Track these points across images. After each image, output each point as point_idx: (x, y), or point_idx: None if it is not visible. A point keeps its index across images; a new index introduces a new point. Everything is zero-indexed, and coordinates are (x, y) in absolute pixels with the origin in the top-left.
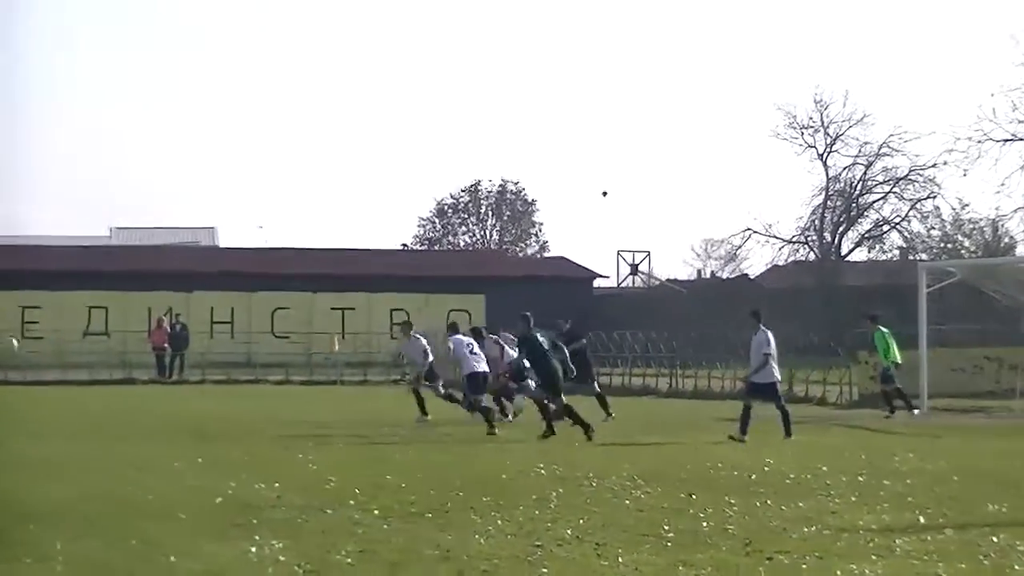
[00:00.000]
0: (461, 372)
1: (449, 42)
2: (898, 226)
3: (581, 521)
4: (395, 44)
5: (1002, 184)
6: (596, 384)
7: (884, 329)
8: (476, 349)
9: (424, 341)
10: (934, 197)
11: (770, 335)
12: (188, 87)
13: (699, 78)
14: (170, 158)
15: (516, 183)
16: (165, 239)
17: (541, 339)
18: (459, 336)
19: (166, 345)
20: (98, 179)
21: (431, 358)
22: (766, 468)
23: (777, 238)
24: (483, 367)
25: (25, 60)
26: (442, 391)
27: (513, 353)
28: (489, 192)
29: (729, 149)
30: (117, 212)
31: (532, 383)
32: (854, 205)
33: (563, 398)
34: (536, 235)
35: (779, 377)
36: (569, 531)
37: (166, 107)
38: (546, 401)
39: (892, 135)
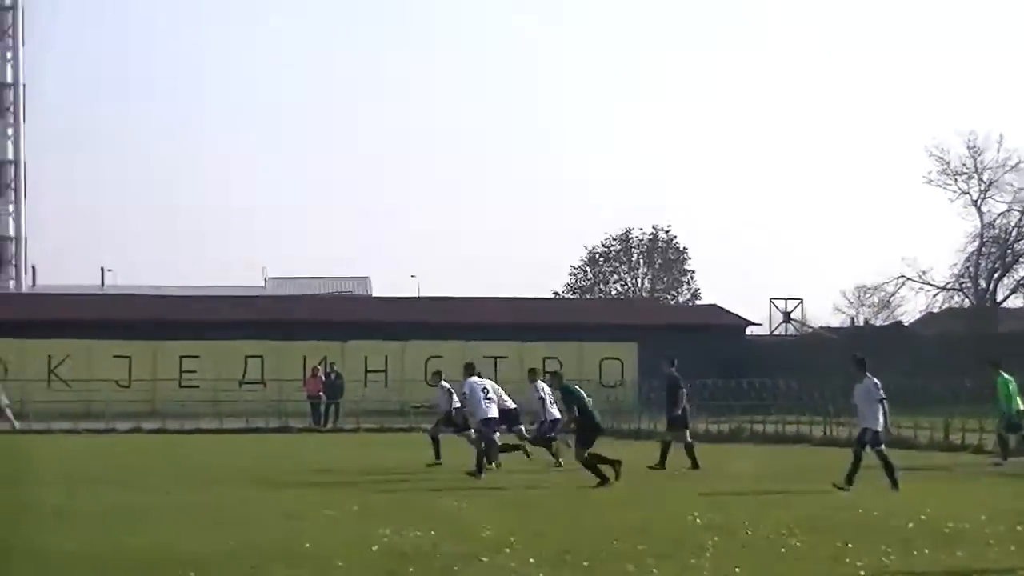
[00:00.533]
0: (475, 416)
1: (600, 91)
2: None
3: (737, 570)
4: (543, 94)
5: None
6: (688, 433)
7: (1007, 376)
8: (491, 393)
9: (450, 389)
10: None
11: (877, 382)
12: (344, 140)
13: (851, 124)
14: (324, 209)
15: (667, 231)
16: (319, 289)
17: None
18: (474, 379)
19: (321, 393)
20: (253, 230)
21: (455, 404)
22: (923, 517)
23: (931, 285)
24: (495, 411)
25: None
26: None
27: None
28: (640, 240)
29: (882, 195)
30: (272, 262)
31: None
32: (1009, 251)
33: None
34: (688, 283)
35: (880, 427)
36: None
37: (321, 159)
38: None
39: None
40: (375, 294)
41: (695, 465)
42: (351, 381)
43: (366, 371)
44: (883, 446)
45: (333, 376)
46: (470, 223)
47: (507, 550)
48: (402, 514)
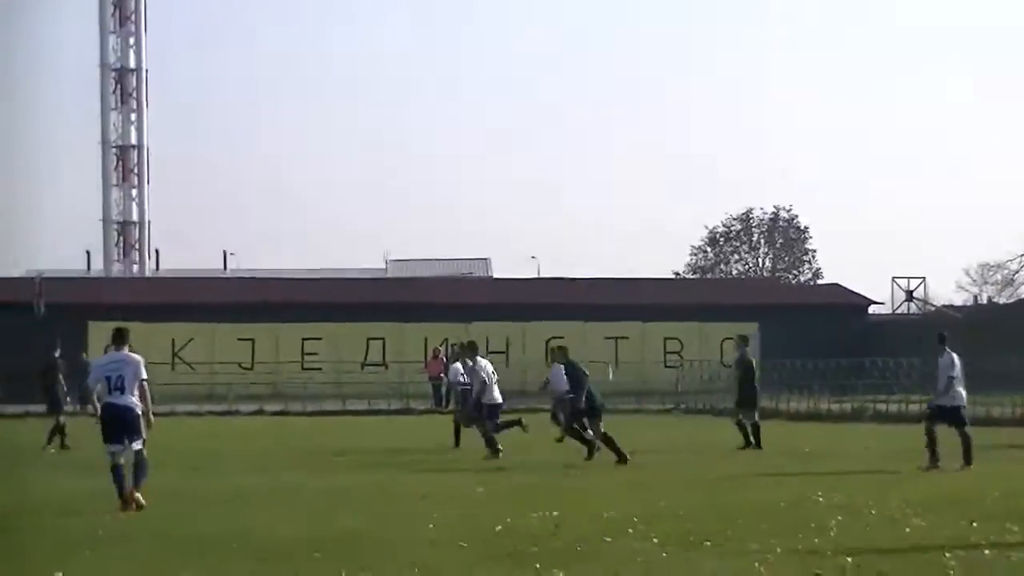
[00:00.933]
0: (487, 397)
1: (724, 70)
2: None
3: (862, 550)
4: (666, 74)
5: None
6: (757, 413)
7: None
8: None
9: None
10: None
11: (955, 358)
12: (466, 120)
13: (973, 99)
14: (445, 191)
15: (789, 210)
16: (440, 270)
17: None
18: (485, 361)
19: (442, 375)
20: (374, 212)
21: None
22: None
23: None
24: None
25: (314, 96)
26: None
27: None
28: (761, 220)
29: (1006, 172)
30: (393, 244)
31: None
32: None
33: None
34: (809, 262)
35: (964, 402)
36: (850, 559)
37: (442, 140)
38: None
39: None
40: (495, 275)
41: (747, 445)
42: None
43: (488, 352)
44: (935, 424)
45: (454, 358)
46: (591, 204)
47: (630, 531)
48: (525, 496)
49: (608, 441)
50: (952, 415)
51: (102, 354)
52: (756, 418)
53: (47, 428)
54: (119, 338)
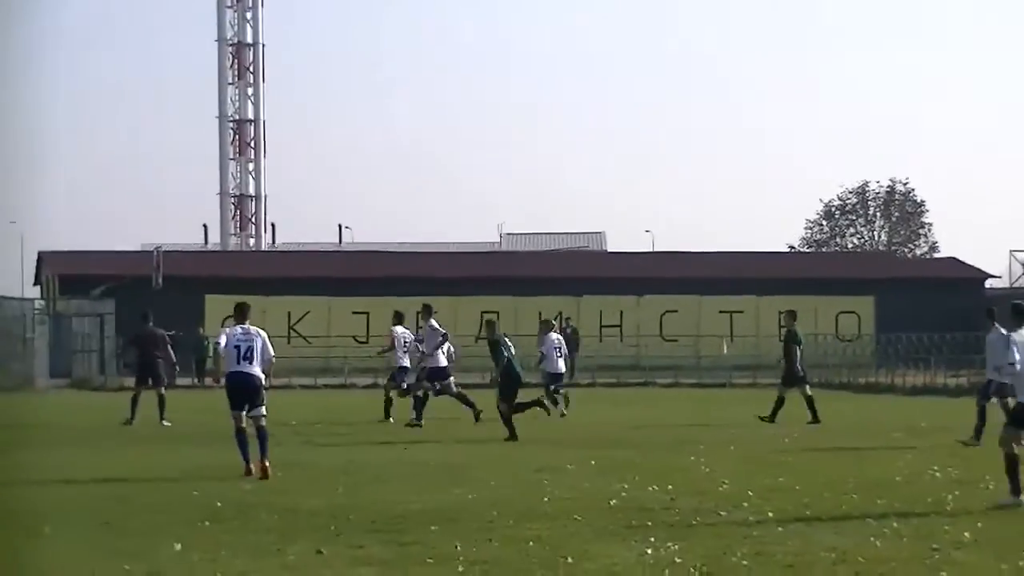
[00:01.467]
0: (431, 361)
1: (834, 39)
2: None
3: (979, 525)
4: (779, 45)
5: None
6: (808, 387)
7: None
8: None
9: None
10: None
11: (1004, 332)
12: (579, 95)
13: None
14: (559, 164)
15: (905, 183)
16: (554, 244)
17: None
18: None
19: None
20: (488, 186)
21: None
22: None
23: None
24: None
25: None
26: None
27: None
28: (877, 193)
29: None
30: (507, 218)
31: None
32: None
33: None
34: (925, 235)
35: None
36: (967, 534)
37: (557, 114)
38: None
39: None
40: (609, 249)
41: (772, 418)
42: (586, 336)
43: (601, 326)
44: (987, 400)
45: (568, 331)
46: (704, 177)
47: (745, 504)
48: (639, 469)
49: (506, 419)
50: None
51: (220, 327)
52: (806, 391)
53: (155, 402)
54: (241, 313)
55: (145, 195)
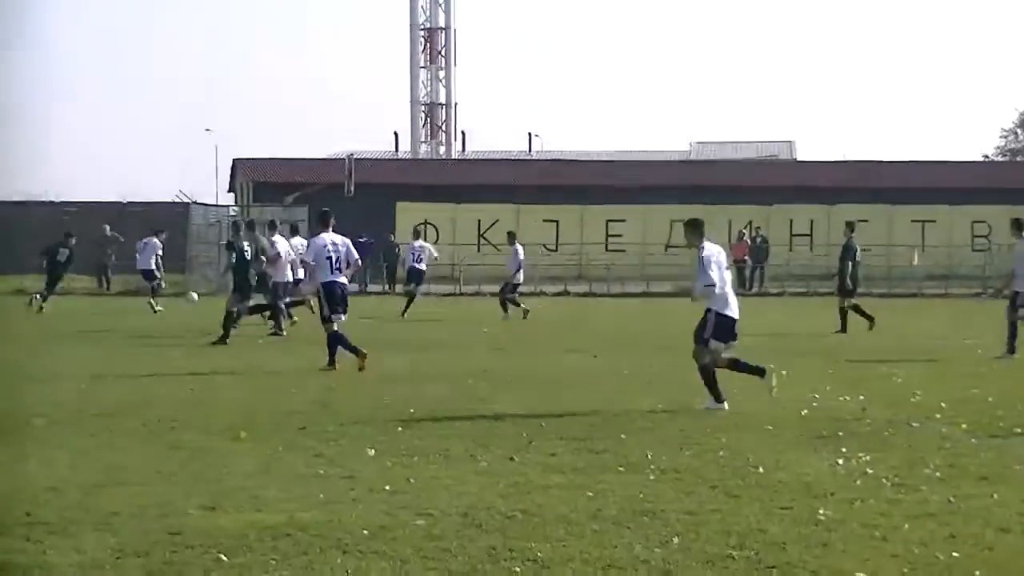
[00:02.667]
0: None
1: None
2: None
3: None
4: None
5: None
6: (849, 299)
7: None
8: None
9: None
10: None
11: None
12: (763, 3)
13: None
14: (751, 72)
15: None
16: (744, 153)
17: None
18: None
19: (746, 257)
20: (679, 93)
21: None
22: None
23: None
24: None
25: None
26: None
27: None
28: None
29: None
30: (697, 126)
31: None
32: None
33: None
34: None
35: None
36: None
37: (748, 22)
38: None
39: None
40: (799, 158)
41: (844, 329)
42: (776, 245)
43: (791, 235)
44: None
45: (759, 240)
46: (897, 86)
47: (937, 416)
48: (832, 380)
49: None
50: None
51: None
52: (848, 303)
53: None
54: (325, 221)
55: (337, 104)
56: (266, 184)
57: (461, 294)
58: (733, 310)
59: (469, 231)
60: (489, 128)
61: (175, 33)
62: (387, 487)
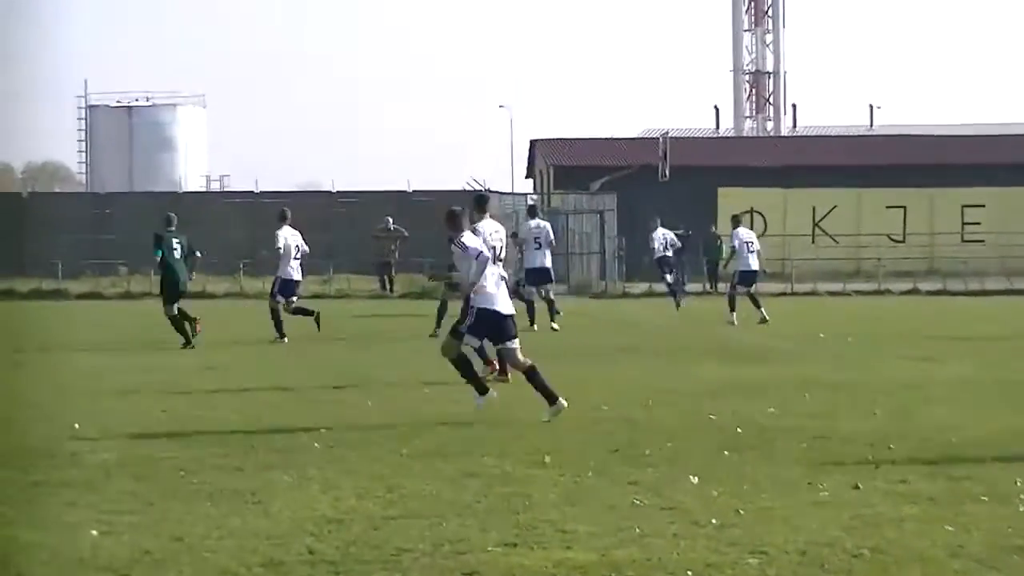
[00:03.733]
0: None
1: None
2: None
3: None
4: None
5: None
6: None
7: None
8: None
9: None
10: None
11: None
12: None
13: None
14: None
15: None
16: None
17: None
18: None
19: None
20: None
21: None
22: None
23: None
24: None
25: None
26: None
27: None
28: None
29: None
30: None
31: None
32: None
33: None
34: None
35: None
36: None
37: None
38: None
39: None
40: None
41: None
42: None
43: None
44: None
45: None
46: None
47: None
48: None
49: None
50: None
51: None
52: None
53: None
54: (482, 206)
55: (648, 75)
56: (569, 168)
57: (793, 293)
58: None
59: (803, 220)
60: (824, 100)
61: None
62: (713, 520)
